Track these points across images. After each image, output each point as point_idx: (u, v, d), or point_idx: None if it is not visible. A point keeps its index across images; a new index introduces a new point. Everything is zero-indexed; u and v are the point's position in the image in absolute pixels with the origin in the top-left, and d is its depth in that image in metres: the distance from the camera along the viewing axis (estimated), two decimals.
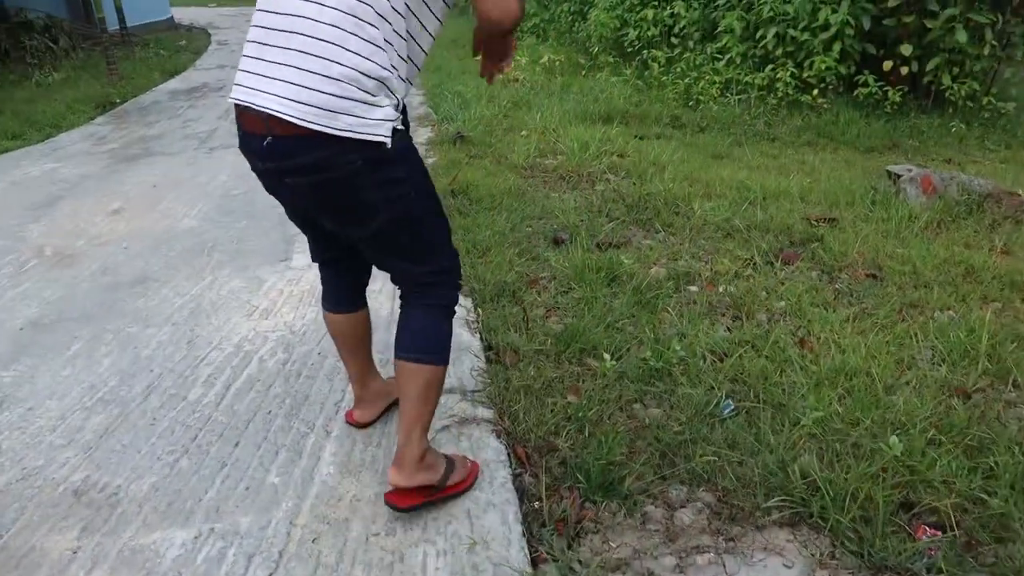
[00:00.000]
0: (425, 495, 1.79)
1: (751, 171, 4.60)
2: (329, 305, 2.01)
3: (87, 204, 4.29)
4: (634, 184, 4.29)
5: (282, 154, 1.53)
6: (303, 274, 3.24)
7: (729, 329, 2.74)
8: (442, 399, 2.15)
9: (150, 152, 5.47)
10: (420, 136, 5.56)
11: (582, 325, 2.66)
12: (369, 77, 1.47)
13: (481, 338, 2.66)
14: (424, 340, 1.76)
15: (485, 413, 2.22)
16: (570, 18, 9.53)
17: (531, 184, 4.38)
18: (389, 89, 1.52)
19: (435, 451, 1.86)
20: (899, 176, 4.17)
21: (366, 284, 2.04)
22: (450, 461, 1.87)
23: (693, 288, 3.05)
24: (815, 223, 3.65)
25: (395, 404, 2.19)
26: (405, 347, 1.75)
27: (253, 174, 1.68)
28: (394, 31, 1.51)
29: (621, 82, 7.12)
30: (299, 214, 1.84)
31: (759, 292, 3.00)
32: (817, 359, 2.49)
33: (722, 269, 3.19)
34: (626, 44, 7.80)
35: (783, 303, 2.92)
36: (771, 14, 6.16)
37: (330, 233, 1.81)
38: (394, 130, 1.53)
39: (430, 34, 1.62)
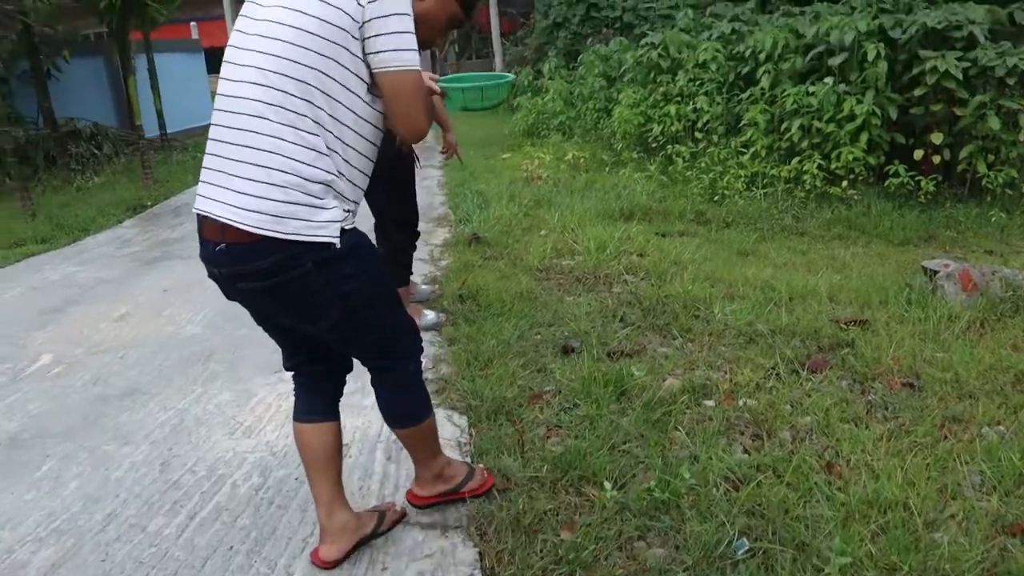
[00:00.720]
0: (441, 497, 2.12)
1: (777, 269, 4.38)
2: (298, 415, 1.96)
3: (96, 310, 4.27)
4: (652, 285, 4.09)
5: (236, 260, 1.61)
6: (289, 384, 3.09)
7: (748, 450, 2.48)
8: (419, 537, 2.08)
9: (168, 255, 5.50)
10: (436, 238, 5.49)
11: (583, 448, 2.43)
12: (312, 182, 1.58)
13: (471, 463, 2.44)
14: (400, 411, 1.98)
15: (465, 554, 1.98)
16: (595, 115, 9.64)
17: (545, 287, 4.21)
18: (336, 192, 1.62)
19: (456, 464, 2.16)
20: (935, 272, 3.91)
21: (339, 395, 2.00)
22: (471, 471, 2.18)
23: (710, 402, 2.80)
24: (845, 326, 3.39)
25: (364, 542, 2.00)
26: (390, 419, 1.99)
27: None
28: (336, 138, 1.61)
29: (645, 178, 7.04)
30: (262, 317, 1.85)
31: (782, 406, 2.73)
32: (847, 487, 2.20)
33: (742, 380, 2.94)
34: (650, 140, 7.80)
35: (809, 418, 2.64)
36: (795, 106, 6.08)
37: (299, 336, 1.86)
38: (342, 230, 1.62)
39: (371, 143, 1.72)
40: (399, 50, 1.60)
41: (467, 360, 3.14)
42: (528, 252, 4.83)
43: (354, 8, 1.57)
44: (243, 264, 1.61)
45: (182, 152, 10.86)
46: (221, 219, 1.58)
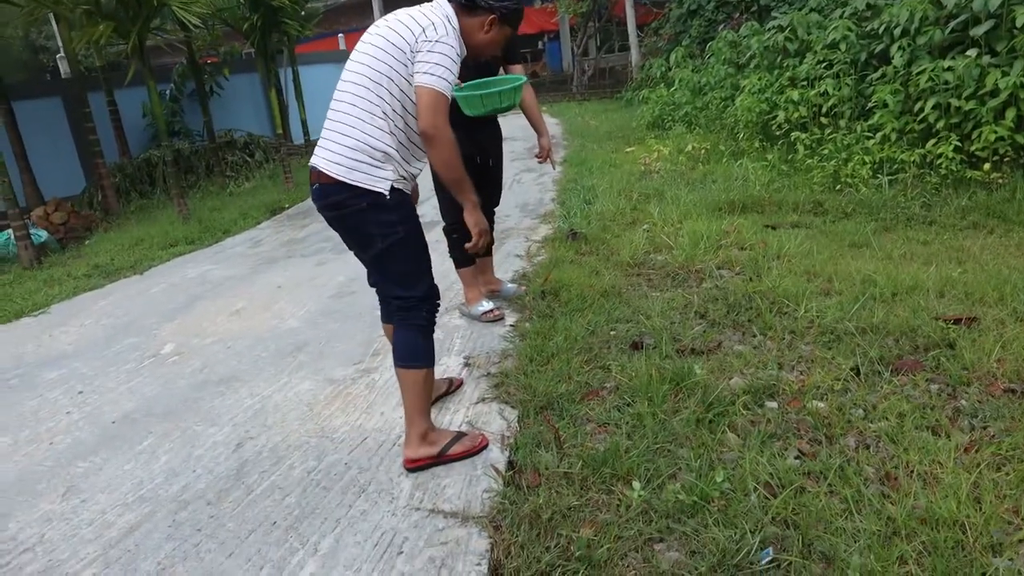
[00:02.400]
0: (428, 461, 2.44)
1: (888, 262, 4.02)
2: (384, 318, 2.63)
3: (217, 304, 4.71)
4: (744, 281, 3.90)
5: (322, 195, 2.34)
6: (369, 376, 3.26)
7: (802, 455, 2.32)
8: (440, 524, 2.14)
9: (291, 254, 5.95)
10: (537, 234, 5.52)
11: (624, 446, 2.38)
12: (376, 150, 2.27)
13: (511, 455, 2.47)
14: (405, 351, 2.41)
15: (478, 544, 2.02)
16: (721, 104, 9.26)
17: (633, 283, 4.13)
18: (392, 160, 2.31)
19: (439, 431, 2.51)
20: None
21: None
22: (458, 435, 2.51)
23: (772, 404, 2.64)
24: (948, 324, 3.06)
25: (442, 397, 2.88)
26: (396, 357, 2.43)
27: (365, 274, 2.58)
28: (395, 124, 2.30)
29: (763, 167, 6.69)
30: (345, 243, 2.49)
31: (854, 410, 2.53)
32: (902, 500, 2.01)
33: (814, 381, 2.74)
34: (773, 127, 7.38)
35: (881, 424, 2.43)
36: (930, 83, 5.52)
37: None
38: (392, 188, 2.30)
39: (416, 132, 2.34)
40: (427, 73, 2.22)
41: (530, 355, 3.16)
42: (624, 248, 4.77)
43: (412, 40, 2.26)
44: (325, 198, 2.32)
45: None
46: (318, 168, 2.31)
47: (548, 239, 5.32)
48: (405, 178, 2.37)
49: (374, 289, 2.59)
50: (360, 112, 2.26)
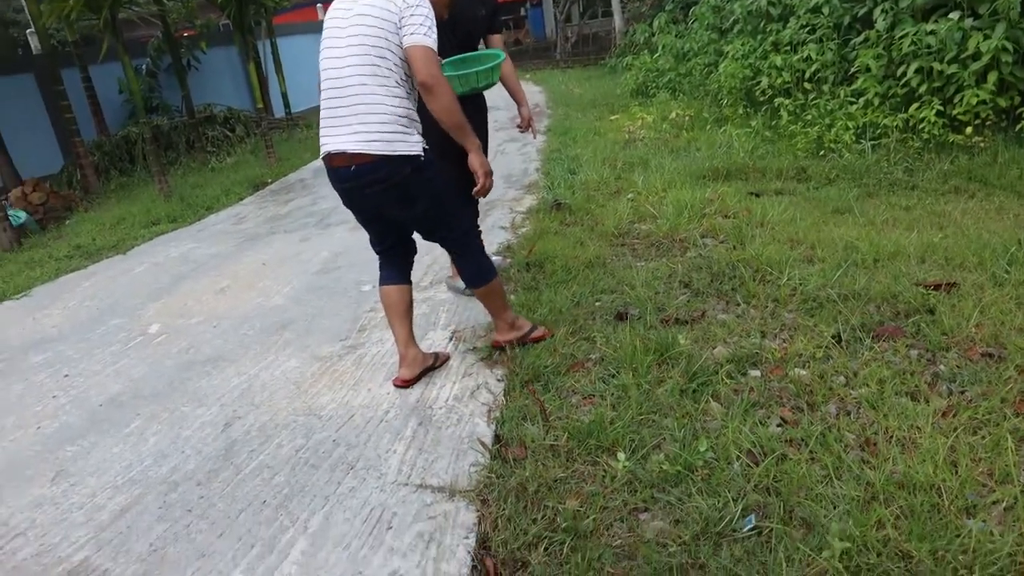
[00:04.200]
0: (516, 340, 3.01)
1: (871, 228, 4.04)
2: (384, 281, 2.85)
3: (202, 284, 4.68)
4: (728, 249, 3.92)
5: (362, 174, 2.48)
6: (355, 352, 3.27)
7: (784, 423, 2.36)
8: (428, 499, 2.16)
9: (274, 230, 5.90)
10: (521, 205, 5.52)
11: (609, 417, 2.41)
12: (401, 117, 2.47)
13: (497, 429, 2.49)
14: (476, 274, 2.85)
15: (466, 517, 2.05)
16: (704, 71, 9.20)
17: (617, 253, 4.14)
18: (413, 120, 2.53)
19: (523, 320, 3.06)
20: None
21: (410, 268, 2.89)
22: (535, 326, 3.06)
23: (755, 373, 2.68)
24: (928, 290, 3.10)
25: (426, 372, 2.91)
26: (470, 283, 2.88)
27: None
28: (407, 91, 2.52)
29: (747, 134, 6.67)
30: (368, 216, 2.73)
31: (835, 377, 2.57)
32: (881, 465, 2.05)
33: (797, 349, 2.78)
34: (757, 93, 7.35)
35: (862, 391, 2.47)
36: (912, 48, 5.51)
37: (388, 226, 2.77)
38: (424, 148, 2.54)
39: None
40: (415, 33, 2.43)
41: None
42: (608, 217, 4.77)
43: (397, 11, 2.46)
44: (369, 176, 2.47)
45: (304, 130, 11.50)
46: (351, 151, 2.43)
47: (533, 210, 5.32)
48: (424, 136, 2.59)
49: (380, 252, 2.85)
50: (376, 88, 2.43)
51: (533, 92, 13.61)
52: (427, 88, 2.42)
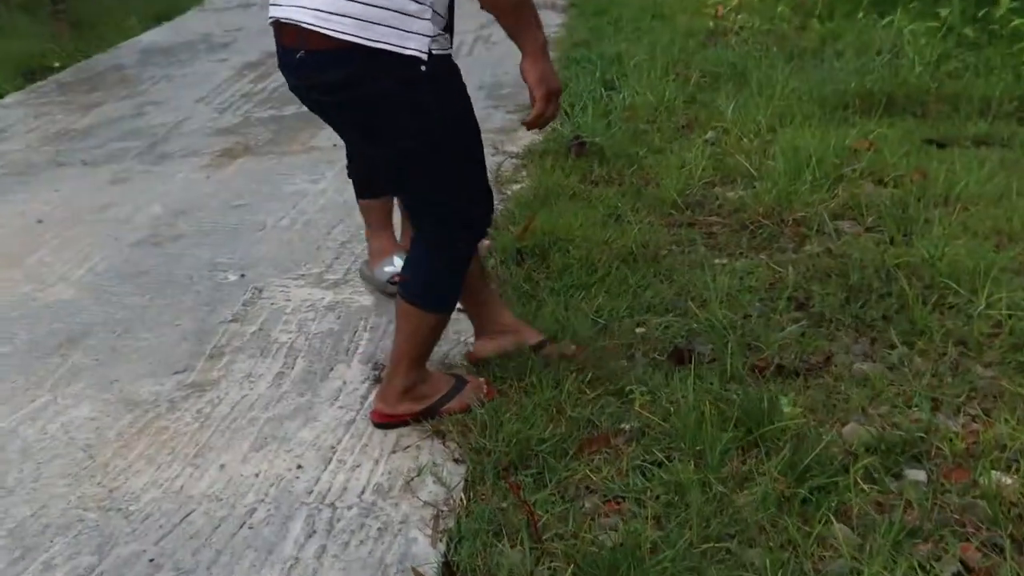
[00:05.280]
0: (408, 417, 1.80)
1: None
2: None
3: None
4: (883, 243, 2.59)
5: (312, 68, 1.59)
6: (200, 397, 2.01)
7: (968, 572, 1.29)
8: None
9: (64, 160, 3.89)
10: (514, 141, 3.69)
11: (649, 541, 1.28)
12: None
13: (446, 553, 1.31)
14: (422, 288, 1.80)
15: None
16: None
17: (681, 239, 2.71)
18: (426, 4, 1.52)
19: (433, 381, 1.84)
20: None
21: None
22: (458, 383, 1.87)
23: (917, 475, 1.57)
24: None
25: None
26: (409, 290, 1.79)
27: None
28: None
29: (930, 30, 4.43)
30: (334, 126, 1.88)
31: None
32: None
33: (997, 435, 1.67)
34: None
35: None
36: None
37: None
38: (431, 52, 1.55)
39: None
40: None
41: (492, 373, 1.97)
42: (668, 173, 3.13)
43: None
44: (321, 74, 1.60)
45: None
46: (302, 24, 1.54)
47: (534, 151, 3.47)
48: (443, 36, 1.60)
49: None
50: None
51: None
52: None
